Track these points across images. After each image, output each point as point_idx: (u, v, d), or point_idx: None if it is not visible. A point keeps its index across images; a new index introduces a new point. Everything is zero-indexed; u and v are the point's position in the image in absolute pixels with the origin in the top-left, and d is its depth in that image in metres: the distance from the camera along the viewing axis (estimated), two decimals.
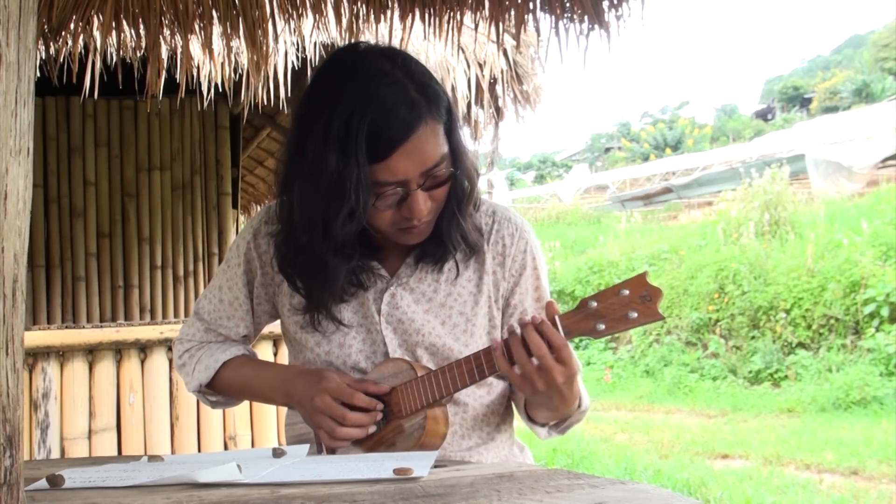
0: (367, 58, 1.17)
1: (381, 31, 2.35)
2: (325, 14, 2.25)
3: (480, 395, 1.32)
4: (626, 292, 1.08)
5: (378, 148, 1.12)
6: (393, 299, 1.28)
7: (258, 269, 1.35)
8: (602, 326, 1.09)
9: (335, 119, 1.12)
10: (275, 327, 1.43)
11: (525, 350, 1.11)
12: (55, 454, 2.76)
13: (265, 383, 1.34)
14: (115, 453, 2.79)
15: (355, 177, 1.11)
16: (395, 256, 1.31)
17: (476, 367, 1.16)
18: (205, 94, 3.43)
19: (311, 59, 3.39)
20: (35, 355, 2.76)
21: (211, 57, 2.78)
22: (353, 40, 2.24)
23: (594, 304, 1.10)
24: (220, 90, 3.51)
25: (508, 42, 3.69)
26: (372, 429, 1.20)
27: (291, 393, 1.27)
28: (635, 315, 1.07)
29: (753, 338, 9.15)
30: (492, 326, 1.32)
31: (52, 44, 2.46)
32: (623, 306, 1.08)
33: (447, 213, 1.24)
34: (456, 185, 1.21)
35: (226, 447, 2.95)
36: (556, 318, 1.11)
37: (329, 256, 1.20)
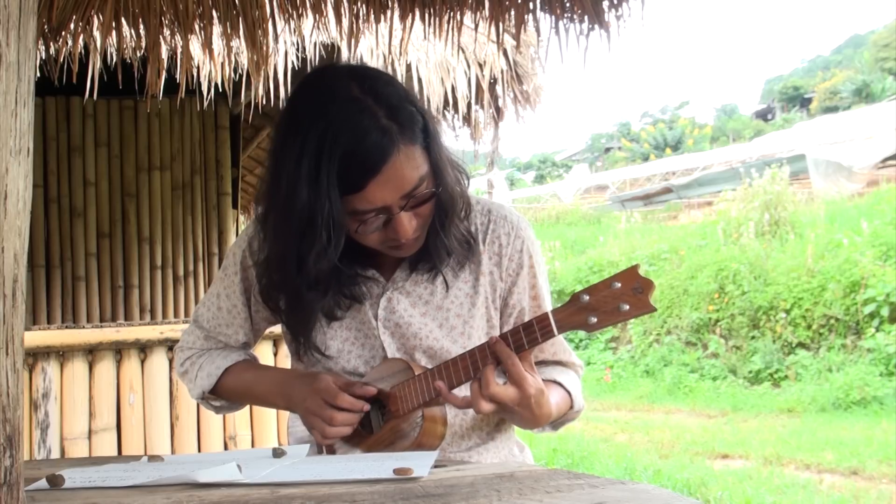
0: (336, 84, 1.14)
1: (381, 31, 2.35)
2: (325, 14, 2.25)
3: None
4: (618, 285, 1.08)
5: (351, 180, 1.10)
6: (390, 304, 1.28)
7: (254, 277, 1.34)
8: (594, 319, 1.08)
9: (305, 154, 1.10)
10: (275, 327, 1.43)
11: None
12: (55, 454, 2.76)
13: (266, 388, 1.34)
14: (115, 453, 2.79)
15: (326, 213, 1.09)
16: (391, 261, 1.30)
17: (471, 364, 1.16)
18: (205, 94, 3.43)
19: (311, 59, 3.39)
20: (35, 355, 2.75)
21: (211, 57, 2.78)
22: (351, 41, 2.24)
23: (586, 297, 1.09)
24: (220, 90, 3.51)
25: (508, 42, 3.69)
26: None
27: (290, 395, 1.28)
28: (627, 307, 1.07)
29: (753, 338, 9.14)
30: (490, 327, 1.31)
31: (52, 44, 2.45)
32: (615, 299, 1.08)
33: (431, 229, 1.22)
34: (439, 202, 1.19)
35: (226, 447, 2.95)
36: (549, 312, 1.11)
37: (303, 291, 1.19)
